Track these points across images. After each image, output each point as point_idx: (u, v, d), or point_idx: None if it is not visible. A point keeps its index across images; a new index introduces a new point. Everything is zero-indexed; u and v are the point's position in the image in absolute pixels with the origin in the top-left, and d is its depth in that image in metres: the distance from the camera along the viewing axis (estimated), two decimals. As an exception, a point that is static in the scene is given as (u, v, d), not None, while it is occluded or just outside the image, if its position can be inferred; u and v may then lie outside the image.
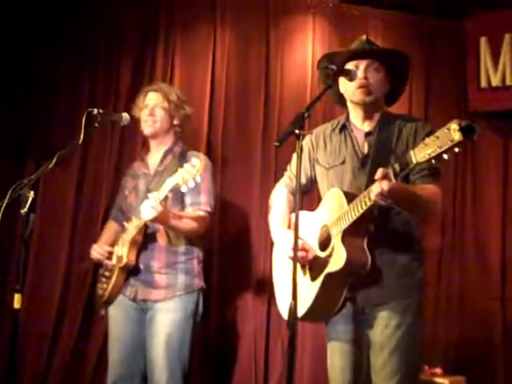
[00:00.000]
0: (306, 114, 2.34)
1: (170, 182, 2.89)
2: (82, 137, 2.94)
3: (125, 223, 3.29)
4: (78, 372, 4.17)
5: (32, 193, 2.75)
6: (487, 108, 4.35)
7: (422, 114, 4.34)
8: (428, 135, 2.48)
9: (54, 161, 2.86)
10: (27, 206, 2.71)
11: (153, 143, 3.45)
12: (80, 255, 4.16)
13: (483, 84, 4.37)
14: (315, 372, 4.06)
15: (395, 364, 2.53)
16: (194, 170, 2.80)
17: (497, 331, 4.22)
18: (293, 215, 2.71)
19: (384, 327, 2.56)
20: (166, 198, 2.99)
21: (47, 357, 4.15)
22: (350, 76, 2.61)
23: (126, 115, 3.26)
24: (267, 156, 4.36)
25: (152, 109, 3.38)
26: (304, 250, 2.65)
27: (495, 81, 4.32)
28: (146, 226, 3.17)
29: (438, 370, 3.93)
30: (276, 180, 3.97)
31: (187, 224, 3.21)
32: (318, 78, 2.90)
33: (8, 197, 2.75)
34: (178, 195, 3.17)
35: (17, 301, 2.69)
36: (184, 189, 2.85)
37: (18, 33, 4.39)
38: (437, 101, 4.44)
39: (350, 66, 2.69)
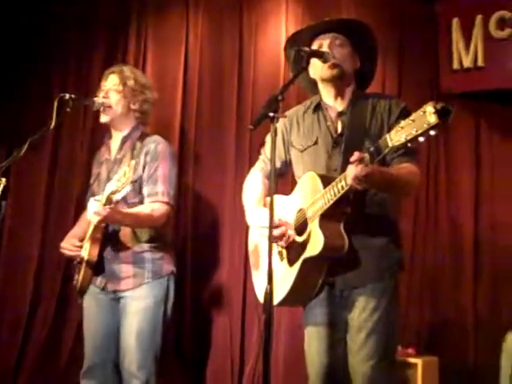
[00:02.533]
0: (279, 97, 2.33)
1: (109, 188, 2.85)
2: (53, 122, 2.91)
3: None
4: (52, 361, 4.16)
5: (3, 180, 2.72)
6: (460, 89, 4.36)
7: (394, 95, 4.35)
8: (402, 112, 2.54)
9: (26, 147, 2.83)
10: (-1, 192, 2.68)
11: (112, 129, 3.35)
12: (53, 243, 4.13)
13: (455, 66, 4.37)
14: (291, 355, 4.08)
15: (372, 347, 2.55)
16: (124, 178, 2.76)
17: (469, 312, 4.27)
18: (268, 199, 2.65)
19: (361, 310, 2.57)
20: (108, 201, 2.89)
21: (21, 346, 4.13)
22: (324, 57, 2.60)
23: (98, 100, 3.23)
24: (241, 141, 4.35)
25: (107, 92, 3.27)
26: (281, 224, 2.62)
27: (467, 62, 4.33)
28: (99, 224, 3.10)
29: (411, 351, 3.96)
30: (251, 165, 3.95)
31: (143, 219, 3.13)
32: (288, 62, 2.87)
33: (-21, 184, 2.72)
34: (136, 186, 3.11)
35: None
36: (118, 196, 2.82)
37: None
38: (409, 83, 4.45)
39: (314, 46, 2.69)
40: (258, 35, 4.46)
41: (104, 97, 3.25)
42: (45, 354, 4.14)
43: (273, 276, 2.24)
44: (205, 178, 4.34)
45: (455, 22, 4.34)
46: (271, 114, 2.29)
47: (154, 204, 3.14)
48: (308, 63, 2.62)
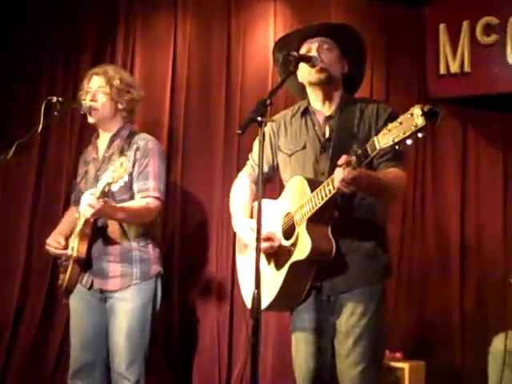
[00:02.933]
0: (268, 102, 2.31)
1: (104, 180, 2.84)
2: (41, 125, 2.90)
3: (76, 214, 3.23)
4: (40, 362, 4.13)
5: (-9, 182, 2.70)
6: (446, 94, 4.40)
7: (382, 100, 4.36)
8: (389, 117, 2.53)
9: (13, 150, 2.81)
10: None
11: (99, 128, 3.34)
12: (40, 245, 4.11)
13: (442, 71, 4.41)
14: (279, 360, 4.08)
15: (360, 352, 2.54)
16: (122, 169, 2.76)
17: (455, 316, 4.30)
18: (255, 204, 2.70)
19: (349, 315, 2.57)
20: (104, 193, 2.90)
21: (8, 345, 4.09)
22: (312, 62, 2.61)
23: (85, 103, 3.22)
24: (229, 144, 4.34)
25: (93, 94, 3.26)
26: (269, 239, 2.62)
27: (454, 67, 4.37)
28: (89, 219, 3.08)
29: (399, 355, 3.98)
30: (238, 168, 3.96)
31: (134, 215, 3.14)
32: (276, 66, 2.88)
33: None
34: (126, 183, 3.07)
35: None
36: (115, 187, 2.82)
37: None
38: (397, 88, 4.48)
39: (302, 50, 2.69)
40: (246, 38, 4.47)
41: (91, 99, 3.24)
42: (32, 356, 4.11)
43: (260, 280, 2.22)
44: (193, 182, 4.34)
45: (442, 27, 4.38)
46: (259, 119, 2.28)
47: (146, 199, 3.15)
48: (296, 67, 2.61)
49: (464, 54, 4.31)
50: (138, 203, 3.15)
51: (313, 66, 2.62)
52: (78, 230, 3.13)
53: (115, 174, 2.77)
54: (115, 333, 3.14)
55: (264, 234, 2.56)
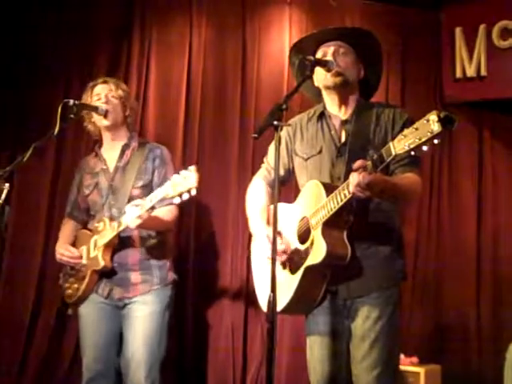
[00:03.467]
0: (283, 106, 2.31)
1: (160, 193, 2.85)
2: (57, 128, 2.91)
3: (95, 223, 3.24)
4: (54, 369, 4.14)
5: (7, 185, 2.71)
6: (462, 98, 4.38)
7: (398, 103, 4.34)
8: (406, 122, 2.52)
9: (29, 152, 2.82)
10: (2, 198, 2.68)
11: (106, 136, 3.35)
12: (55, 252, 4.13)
13: (458, 74, 4.39)
14: (294, 363, 4.08)
15: (376, 356, 2.53)
16: (189, 183, 2.74)
17: (471, 320, 4.27)
18: (271, 207, 2.69)
19: (365, 319, 2.56)
20: (154, 207, 2.95)
21: (23, 352, 4.12)
22: (328, 66, 2.60)
23: (102, 106, 3.23)
24: (244, 148, 4.35)
25: (106, 96, 3.27)
26: (284, 253, 2.64)
27: (470, 71, 4.35)
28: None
29: (414, 359, 3.96)
30: (253, 172, 3.95)
31: (163, 223, 3.21)
32: (292, 70, 2.88)
33: (-18, 189, 2.72)
34: (146, 191, 3.13)
35: (-8, 294, 2.67)
36: (177, 200, 2.81)
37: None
38: (413, 92, 4.46)
39: (318, 54, 2.69)
40: (261, 42, 4.47)
41: (105, 102, 3.26)
42: (46, 363, 4.13)
43: (276, 284, 2.23)
44: (208, 185, 4.33)
45: (458, 31, 4.36)
46: (275, 123, 2.28)
47: (169, 207, 3.19)
48: (312, 72, 2.60)
49: (480, 58, 4.29)
50: (164, 212, 3.20)
51: (328, 71, 2.62)
52: (105, 240, 3.13)
53: (180, 187, 2.75)
54: (133, 338, 3.14)
55: (280, 248, 2.59)
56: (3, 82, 4.31)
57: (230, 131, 4.40)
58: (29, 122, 4.30)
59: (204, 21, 4.45)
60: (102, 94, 3.28)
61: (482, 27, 4.29)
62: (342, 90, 2.69)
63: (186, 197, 2.76)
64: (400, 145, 2.14)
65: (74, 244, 3.33)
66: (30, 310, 4.16)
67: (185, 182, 2.75)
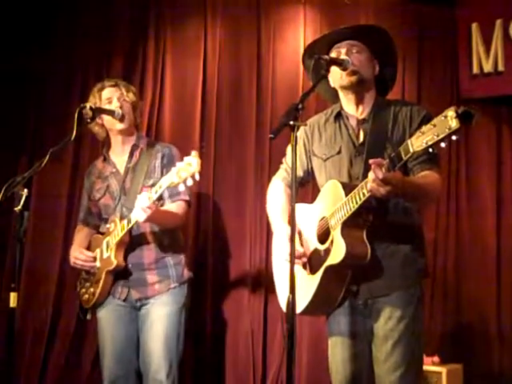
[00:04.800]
0: (299, 106, 2.31)
1: (164, 182, 2.84)
2: (74, 133, 2.92)
3: (107, 225, 3.25)
4: (75, 372, 4.16)
5: (26, 190, 2.73)
6: (480, 94, 4.33)
7: (414, 100, 4.31)
8: (423, 119, 2.51)
9: (47, 158, 2.84)
10: (21, 203, 2.70)
11: (117, 139, 3.35)
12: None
13: (475, 70, 4.35)
14: (314, 364, 4.06)
15: (399, 356, 2.52)
16: (192, 168, 2.73)
17: (492, 319, 4.23)
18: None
19: (387, 319, 2.55)
20: (160, 197, 2.97)
21: (44, 355, 4.14)
22: (344, 65, 2.59)
23: (118, 110, 3.24)
24: (261, 148, 4.34)
25: (119, 100, 3.28)
26: (304, 256, 2.65)
27: (487, 67, 4.30)
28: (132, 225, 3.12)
29: (436, 359, 3.94)
30: (270, 173, 3.96)
31: (173, 218, 3.21)
32: (308, 73, 2.86)
33: (1, 195, 2.73)
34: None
35: (12, 299, 2.68)
36: (181, 187, 2.82)
37: (9, 28, 4.36)
38: (429, 88, 4.43)
39: (331, 55, 2.67)
40: (276, 42, 4.46)
41: (120, 106, 3.27)
42: (67, 368, 4.15)
43: (295, 285, 2.22)
44: (225, 186, 4.34)
45: (475, 26, 4.32)
46: (291, 123, 2.27)
47: (178, 203, 3.23)
48: (328, 71, 2.59)
49: (497, 53, 4.24)
50: (174, 207, 3.22)
51: (344, 69, 2.61)
52: (116, 239, 3.14)
53: (183, 173, 2.74)
54: (152, 338, 3.15)
55: (299, 251, 2.61)
56: (20, 87, 4.35)
57: (246, 131, 4.40)
58: (46, 127, 4.33)
59: (219, 21, 4.46)
60: (114, 97, 3.29)
61: (498, 22, 4.25)
62: (359, 88, 2.68)
63: (190, 182, 2.75)
64: (418, 142, 2.12)
65: (88, 250, 3.34)
66: (50, 315, 4.18)
67: (188, 167, 2.74)
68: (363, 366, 2.62)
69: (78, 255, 3.30)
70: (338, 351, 2.66)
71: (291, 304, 2.20)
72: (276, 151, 4.05)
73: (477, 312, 4.29)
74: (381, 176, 2.24)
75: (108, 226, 3.24)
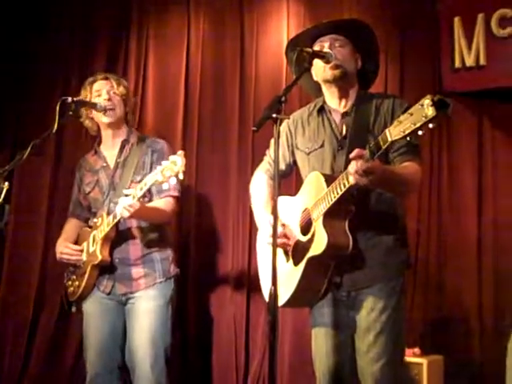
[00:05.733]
0: (282, 98, 2.33)
1: (149, 180, 2.86)
2: (56, 125, 2.91)
3: (94, 219, 3.25)
4: (56, 368, 4.15)
5: (6, 183, 2.72)
6: (462, 88, 4.34)
7: (397, 95, 4.32)
8: (405, 111, 2.50)
9: (29, 151, 2.83)
10: (2, 196, 2.70)
11: (107, 133, 3.37)
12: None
13: (457, 64, 4.36)
14: (296, 356, 4.08)
15: (381, 347, 2.54)
16: (176, 167, 2.76)
17: (473, 311, 4.26)
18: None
19: (370, 310, 2.57)
20: (144, 195, 2.97)
21: (25, 349, 4.12)
22: (326, 58, 2.60)
23: (100, 103, 3.24)
24: (244, 141, 4.35)
25: (108, 93, 3.29)
26: (285, 236, 2.65)
27: (469, 61, 4.31)
28: (118, 221, 3.13)
29: (417, 350, 3.96)
30: (253, 166, 3.96)
31: (160, 214, 3.22)
32: (290, 66, 2.87)
33: (-18, 188, 2.72)
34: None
35: (-6, 292, 2.67)
36: (165, 186, 2.84)
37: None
38: (411, 82, 4.44)
39: (315, 48, 2.69)
40: (259, 35, 4.46)
41: (108, 99, 3.27)
42: (49, 361, 4.14)
43: (277, 277, 2.23)
44: (207, 179, 4.34)
45: (457, 20, 4.33)
46: (274, 116, 2.29)
47: (167, 199, 3.24)
48: (310, 64, 2.61)
49: (479, 47, 4.25)
50: (162, 203, 3.23)
51: (327, 62, 2.63)
52: (102, 233, 3.14)
53: (167, 172, 2.77)
54: (137, 332, 3.16)
55: (280, 230, 2.61)
56: (2, 81, 4.31)
57: (229, 124, 4.40)
58: (28, 120, 4.30)
59: (202, 15, 4.45)
60: (104, 90, 3.29)
61: (480, 16, 4.26)
62: (342, 82, 2.70)
63: (173, 181, 2.79)
64: (395, 131, 2.14)
65: (76, 243, 3.34)
66: (32, 308, 4.16)
67: (172, 166, 2.77)
68: (346, 357, 2.65)
69: (63, 249, 3.30)
70: (321, 342, 2.69)
71: (273, 296, 2.21)
72: (259, 144, 4.06)
73: (458, 304, 4.32)
74: (362, 167, 2.25)
75: (95, 220, 3.24)
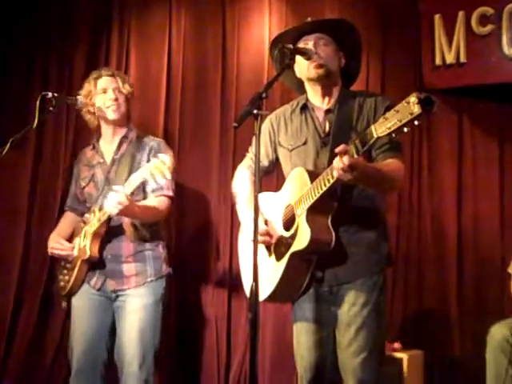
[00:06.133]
0: (263, 95, 2.34)
1: (138, 177, 2.86)
2: (36, 121, 2.89)
3: (86, 214, 3.24)
4: (37, 362, 4.12)
5: (-14, 179, 2.69)
6: (442, 85, 4.39)
7: (378, 91, 4.35)
8: (387, 109, 2.49)
9: (8, 147, 2.81)
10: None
11: (107, 130, 3.35)
12: (37, 243, 4.11)
13: (438, 61, 4.40)
14: (277, 352, 4.09)
15: (362, 341, 2.57)
16: (164, 166, 2.77)
17: (453, 306, 4.31)
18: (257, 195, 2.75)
19: (351, 305, 2.60)
20: (133, 192, 2.95)
21: (4, 349, 4.09)
22: (308, 55, 2.61)
23: (81, 98, 3.24)
24: (225, 137, 4.34)
25: (114, 92, 3.28)
26: (267, 234, 2.67)
27: (449, 58, 4.35)
28: (109, 217, 3.12)
29: (397, 345, 3.99)
30: (235, 162, 3.98)
31: (152, 212, 3.20)
32: (274, 64, 2.87)
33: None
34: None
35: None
36: (152, 184, 2.84)
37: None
38: (393, 80, 4.47)
39: (299, 45, 2.70)
40: (241, 32, 4.45)
41: (115, 99, 3.26)
42: (29, 356, 4.11)
43: (259, 272, 2.24)
44: (189, 175, 4.33)
45: (437, 18, 4.37)
46: (255, 112, 2.29)
47: (160, 198, 3.22)
48: (292, 60, 2.61)
49: (460, 45, 4.29)
50: (155, 202, 3.21)
51: (309, 59, 2.64)
52: (92, 229, 3.14)
53: (155, 170, 2.78)
54: (127, 330, 3.15)
55: (263, 228, 2.63)
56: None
57: (210, 120, 4.39)
58: (7, 116, 4.26)
59: (183, 11, 4.43)
60: (110, 88, 3.28)
61: (460, 14, 4.30)
62: (325, 81, 2.72)
63: (160, 180, 2.79)
64: (381, 127, 2.17)
65: (72, 237, 3.32)
66: (12, 303, 4.13)
67: (161, 165, 2.77)
68: (328, 352, 2.67)
69: (54, 245, 3.29)
70: (303, 338, 2.70)
71: (254, 292, 2.21)
72: (240, 139, 4.06)
73: (438, 298, 4.37)
74: (347, 162, 2.27)
75: (87, 215, 3.23)
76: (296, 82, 2.85)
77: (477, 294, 4.32)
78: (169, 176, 2.79)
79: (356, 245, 2.62)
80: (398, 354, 3.91)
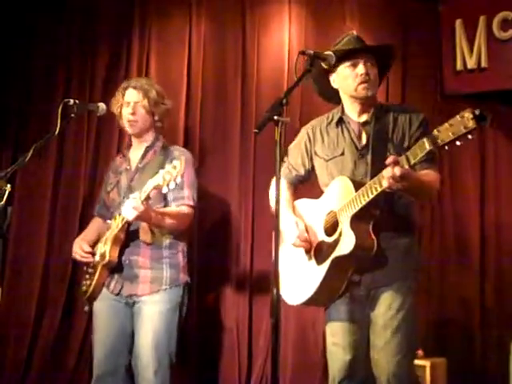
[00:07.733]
0: (284, 100, 2.36)
1: (151, 183, 2.91)
2: (58, 128, 2.92)
3: (109, 220, 3.28)
4: (59, 368, 4.15)
5: (9, 186, 2.72)
6: (463, 90, 4.36)
7: (398, 96, 4.34)
8: (422, 122, 2.73)
9: (31, 153, 2.83)
10: (4, 199, 2.69)
11: (134, 139, 3.44)
12: (59, 249, 4.14)
13: (459, 67, 4.37)
14: (299, 358, 4.07)
15: (397, 344, 2.65)
16: (175, 171, 2.82)
17: (475, 312, 4.26)
18: (296, 203, 2.95)
19: (387, 308, 2.68)
20: (148, 197, 2.97)
21: (27, 352, 4.12)
22: (328, 60, 2.61)
23: (102, 105, 3.26)
24: (245, 142, 4.34)
25: (133, 107, 3.33)
26: (306, 241, 2.76)
27: (471, 63, 4.32)
28: (128, 223, 3.15)
29: (419, 352, 3.95)
30: (255, 167, 3.99)
31: (170, 221, 3.21)
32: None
33: (-16, 190, 2.72)
34: (161, 192, 3.15)
35: (-3, 294, 2.68)
36: (165, 190, 2.87)
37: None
38: (413, 85, 4.44)
39: (347, 62, 2.75)
40: (261, 37, 4.46)
41: (132, 113, 3.31)
42: (51, 362, 4.13)
43: (297, 276, 2.47)
44: (209, 181, 4.33)
45: (458, 22, 4.34)
46: (275, 118, 2.32)
47: (181, 207, 3.26)
48: (312, 65, 2.60)
49: (481, 50, 4.26)
50: (173, 210, 3.24)
51: (328, 65, 2.69)
52: (112, 234, 3.18)
53: (167, 175, 2.83)
54: (142, 336, 3.16)
55: (303, 233, 2.76)
56: (3, 83, 4.32)
57: (231, 126, 4.40)
58: (30, 122, 4.31)
59: (203, 17, 4.46)
60: (132, 102, 3.34)
61: (482, 18, 4.27)
62: (368, 100, 2.82)
63: (172, 186, 2.83)
64: (434, 140, 2.25)
65: (97, 241, 3.36)
66: (35, 309, 4.16)
67: (173, 170, 2.82)
68: (361, 353, 2.74)
69: (76, 250, 3.35)
70: (338, 339, 2.77)
71: (275, 298, 2.23)
72: (260, 145, 4.06)
73: (460, 306, 4.32)
74: (398, 173, 2.37)
75: (109, 221, 3.27)
76: (328, 91, 2.91)
77: (500, 300, 4.27)
78: (179, 180, 2.84)
79: (393, 249, 2.71)
80: (421, 362, 3.87)
